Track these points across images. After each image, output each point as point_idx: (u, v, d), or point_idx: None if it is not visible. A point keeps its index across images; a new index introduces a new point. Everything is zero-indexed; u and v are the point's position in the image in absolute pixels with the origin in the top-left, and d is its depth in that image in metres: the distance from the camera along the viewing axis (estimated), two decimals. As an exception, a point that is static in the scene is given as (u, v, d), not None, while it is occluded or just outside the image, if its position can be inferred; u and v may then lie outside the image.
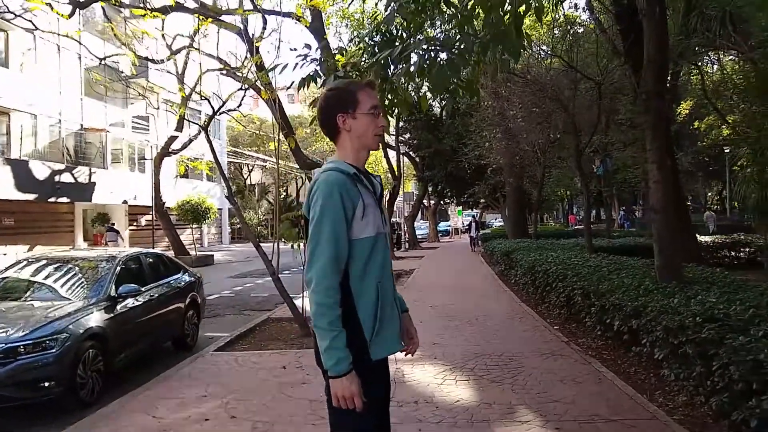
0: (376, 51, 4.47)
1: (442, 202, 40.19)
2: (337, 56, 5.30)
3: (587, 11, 13.61)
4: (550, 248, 13.05)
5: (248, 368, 6.24)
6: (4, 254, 19.40)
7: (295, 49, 4.90)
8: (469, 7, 4.07)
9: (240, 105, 11.99)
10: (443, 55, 4.16)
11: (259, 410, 4.80)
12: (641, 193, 28.22)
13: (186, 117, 17.13)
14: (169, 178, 27.52)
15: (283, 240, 8.66)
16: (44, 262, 7.12)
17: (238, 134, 46.96)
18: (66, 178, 24.26)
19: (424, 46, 4.17)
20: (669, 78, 9.61)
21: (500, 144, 17.68)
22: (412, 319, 2.54)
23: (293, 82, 4.92)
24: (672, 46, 8.95)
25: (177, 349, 7.77)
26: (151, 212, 26.27)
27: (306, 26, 12.36)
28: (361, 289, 2.13)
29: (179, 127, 24.24)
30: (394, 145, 27.79)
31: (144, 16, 11.39)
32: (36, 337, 5.13)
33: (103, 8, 16.74)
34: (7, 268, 7.15)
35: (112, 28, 16.26)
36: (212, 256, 26.40)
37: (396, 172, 26.91)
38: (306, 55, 4.88)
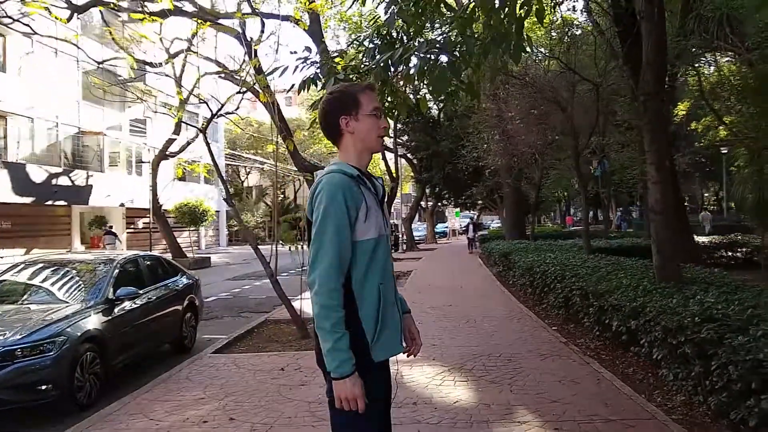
0: (377, 54, 4.48)
1: (439, 203, 40.21)
2: (337, 59, 5.31)
3: (585, 13, 13.63)
4: (548, 249, 13.06)
5: (247, 370, 6.23)
6: (1, 258, 19.36)
7: (295, 52, 4.91)
8: (469, 9, 4.08)
9: (238, 108, 11.98)
10: (443, 58, 4.16)
11: (258, 412, 4.79)
12: (638, 194, 28.23)
13: (184, 120, 17.12)
14: (166, 181, 27.45)
15: (281, 242, 8.66)
16: (41, 265, 7.10)
17: (236, 137, 46.94)
18: (63, 181, 24.23)
19: (425, 49, 4.17)
20: (667, 79, 9.64)
21: (498, 146, 17.70)
22: None
23: (293, 85, 4.93)
24: (669, 48, 8.97)
25: (175, 351, 7.76)
26: (148, 215, 26.24)
27: (304, 29, 12.38)
28: (362, 291, 2.12)
29: (177, 130, 24.21)
30: (391, 146, 27.81)
31: (142, 20, 11.37)
32: (33, 340, 5.12)
33: (101, 12, 16.74)
34: (4, 272, 7.13)
35: (111, 32, 16.24)
36: (209, 258, 26.37)
37: (394, 174, 26.91)
38: (306, 58, 4.88)
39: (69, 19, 13.38)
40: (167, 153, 24.91)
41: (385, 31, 4.63)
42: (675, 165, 12.86)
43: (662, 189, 6.43)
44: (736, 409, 3.68)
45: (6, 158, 21.61)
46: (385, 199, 2.37)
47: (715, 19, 11.18)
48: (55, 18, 11.87)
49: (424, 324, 8.28)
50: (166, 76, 15.86)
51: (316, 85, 4.94)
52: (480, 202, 31.97)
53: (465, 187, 28.44)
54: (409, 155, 32.69)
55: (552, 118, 14.05)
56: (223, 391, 5.44)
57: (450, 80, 4.09)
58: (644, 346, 5.28)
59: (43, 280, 6.68)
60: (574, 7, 23.23)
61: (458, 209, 42.88)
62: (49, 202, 23.65)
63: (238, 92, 10.47)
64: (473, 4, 4.04)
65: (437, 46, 4.19)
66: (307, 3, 11.28)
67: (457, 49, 4.18)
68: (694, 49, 12.86)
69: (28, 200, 22.18)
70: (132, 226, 30.66)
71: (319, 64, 4.96)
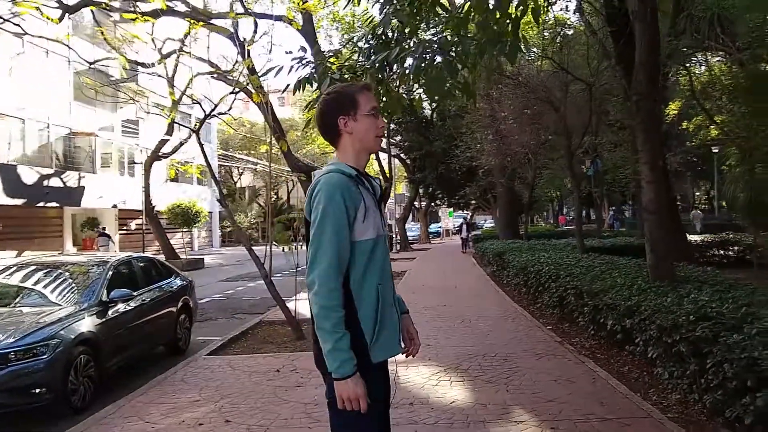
0: (372, 54, 4.48)
1: (433, 203, 40.26)
2: (332, 59, 5.30)
3: (577, 13, 13.68)
4: (542, 249, 13.09)
5: (242, 372, 6.21)
6: (-7, 260, 19.21)
7: (290, 52, 4.90)
8: (464, 10, 4.09)
9: (230, 108, 11.96)
10: (439, 58, 4.17)
11: (254, 414, 4.78)
12: (631, 193, 28.35)
13: (177, 121, 17.06)
14: (159, 182, 27.36)
15: (274, 243, 8.64)
16: (34, 267, 7.05)
17: (229, 137, 46.82)
18: (55, 182, 24.09)
19: (421, 49, 4.17)
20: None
21: (491, 145, 17.73)
22: None
23: (288, 86, 4.92)
24: (661, 48, 9.01)
25: (169, 353, 7.73)
26: (141, 216, 26.13)
27: (297, 29, 12.36)
28: (361, 291, 2.12)
29: (169, 131, 24.13)
30: (385, 147, 27.82)
31: (134, 20, 11.32)
32: (27, 344, 5.09)
33: (92, 12, 16.65)
34: (-4, 274, 7.07)
35: (102, 32, 16.16)
36: (203, 259, 26.30)
37: (387, 174, 26.94)
38: (302, 58, 4.87)
39: (60, 19, 13.30)
40: (160, 154, 24.81)
41: (380, 31, 4.63)
42: (667, 164, 12.92)
43: (656, 188, 6.46)
44: (732, 407, 3.70)
45: (-3, 159, 21.47)
46: (383, 200, 2.37)
47: (706, 19, 11.25)
48: (47, 18, 11.80)
49: (418, 324, 8.20)
50: (159, 76, 15.79)
51: (312, 86, 4.93)
52: (473, 202, 32.02)
53: (458, 187, 28.49)
54: (402, 155, 32.72)
55: (545, 117, 14.08)
56: (219, 393, 5.42)
57: (446, 80, 4.10)
58: (639, 344, 5.30)
59: (36, 283, 6.63)
60: (567, 6, 23.30)
61: (451, 209, 42.98)
62: (41, 204, 23.50)
63: (232, 92, 10.46)
64: (468, 4, 4.04)
65: (433, 46, 4.19)
66: (301, 3, 11.25)
67: (453, 50, 4.19)
68: (685, 49, 12.93)
69: (19, 202, 22.03)
70: (124, 228, 30.53)
71: (314, 65, 4.96)
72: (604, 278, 6.90)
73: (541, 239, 18.51)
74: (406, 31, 4.55)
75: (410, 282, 14.92)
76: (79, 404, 5.38)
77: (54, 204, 24.36)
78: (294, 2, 13.17)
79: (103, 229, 26.06)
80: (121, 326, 6.38)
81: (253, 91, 10.08)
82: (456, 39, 4.21)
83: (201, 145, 10.00)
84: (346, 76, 4.77)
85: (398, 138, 30.57)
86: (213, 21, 13.76)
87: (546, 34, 14.82)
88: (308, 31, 12.80)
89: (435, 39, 4.54)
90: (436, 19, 4.69)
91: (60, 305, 6.03)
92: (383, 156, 28.11)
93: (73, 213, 27.00)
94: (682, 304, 4.74)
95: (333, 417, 2.15)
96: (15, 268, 7.10)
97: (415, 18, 4.41)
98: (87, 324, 5.76)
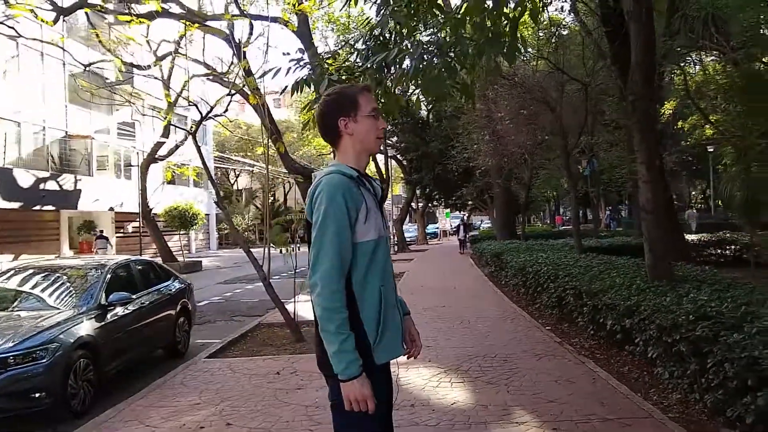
0: (370, 55, 4.48)
1: (430, 204, 40.28)
2: (329, 60, 5.30)
3: (572, 14, 13.71)
4: (540, 249, 13.11)
5: (242, 374, 6.20)
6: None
7: (288, 54, 4.90)
8: (462, 10, 4.09)
9: (227, 110, 11.95)
10: (437, 59, 4.17)
11: (255, 417, 4.77)
12: (627, 193, 28.44)
13: (173, 123, 17.00)
14: (155, 185, 27.30)
15: (272, 245, 8.62)
16: (32, 271, 7.02)
17: (225, 139, 46.73)
18: (51, 185, 24.00)
19: (420, 51, 4.17)
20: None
21: (488, 146, 17.76)
22: None
23: (286, 87, 4.91)
24: (656, 48, 9.04)
25: (168, 356, 7.71)
26: (138, 219, 26.06)
27: (293, 31, 12.35)
28: (363, 293, 2.12)
29: (165, 134, 24.09)
30: (381, 148, 27.82)
31: (129, 22, 11.29)
32: (26, 348, 5.07)
33: (87, 15, 16.59)
34: (-7, 278, 7.04)
35: (97, 35, 16.11)
36: (200, 262, 26.23)
37: (384, 176, 26.94)
38: (299, 60, 4.87)
39: (55, 22, 13.27)
40: (156, 156, 24.77)
41: (378, 32, 4.63)
42: (663, 164, 12.96)
43: (653, 188, 6.48)
44: (733, 407, 3.71)
45: (-8, 163, 21.39)
46: (384, 201, 2.37)
47: (701, 18, 11.30)
48: (41, 20, 11.76)
49: (418, 325, 8.14)
50: (154, 78, 15.75)
51: (310, 87, 4.93)
52: (470, 202, 32.05)
53: (455, 187, 28.52)
54: (398, 156, 32.73)
55: (541, 118, 14.12)
56: (219, 396, 5.41)
57: (445, 81, 4.10)
58: (639, 344, 5.31)
59: (34, 287, 6.60)
60: (562, 7, 23.36)
61: (449, 210, 43.00)
62: (37, 207, 23.42)
63: (228, 95, 10.43)
64: (466, 5, 4.05)
65: (432, 47, 4.19)
66: (296, 4, 11.25)
67: (452, 51, 4.19)
68: (679, 49, 12.99)
69: (15, 205, 21.94)
70: (121, 231, 30.45)
71: (312, 66, 4.95)
72: (603, 278, 6.91)
73: (539, 239, 18.55)
74: (404, 32, 4.56)
75: (409, 283, 14.91)
76: (79, 408, 5.35)
77: (50, 207, 24.28)
78: (289, 4, 13.18)
79: (101, 231, 25.99)
80: (120, 330, 6.36)
81: (249, 92, 10.07)
82: (454, 40, 4.22)
83: (198, 147, 9.97)
84: (343, 77, 4.77)
85: (395, 139, 30.58)
86: (208, 23, 13.75)
87: (541, 34, 14.86)
88: (304, 33, 12.81)
89: (433, 40, 4.54)
90: (434, 20, 4.69)
91: (59, 309, 6.00)
92: (380, 157, 28.10)
93: (70, 216, 26.92)
94: (682, 304, 4.75)
95: (337, 419, 2.14)
96: (13, 272, 7.07)
97: (413, 19, 4.42)
98: (86, 328, 5.74)
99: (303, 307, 8.55)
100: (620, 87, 9.35)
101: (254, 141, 37.94)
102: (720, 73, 14.55)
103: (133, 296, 6.75)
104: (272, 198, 47.73)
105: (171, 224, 26.39)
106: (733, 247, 15.36)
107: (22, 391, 4.96)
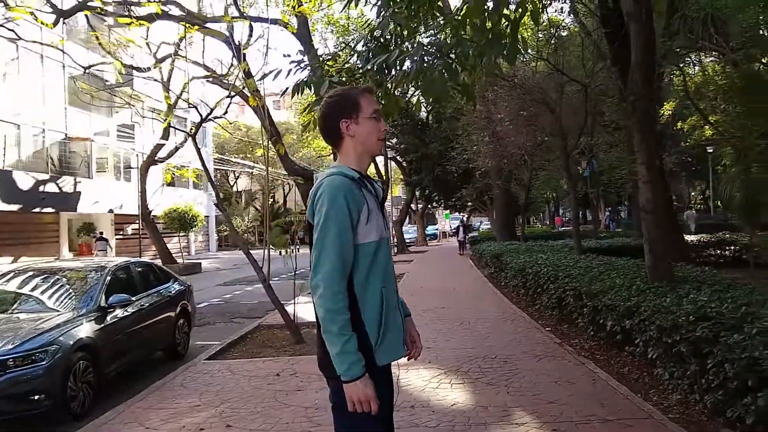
0: (370, 56, 4.48)
1: (429, 205, 40.27)
2: (330, 62, 5.31)
3: (572, 15, 13.72)
4: (539, 250, 13.11)
5: (242, 376, 6.19)
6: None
7: (288, 55, 4.90)
8: (463, 12, 4.09)
9: (226, 112, 11.95)
10: (437, 61, 4.17)
11: (255, 418, 4.76)
12: (627, 193, 28.44)
13: (172, 125, 17.02)
14: (155, 187, 27.31)
15: (272, 246, 8.62)
16: (32, 273, 7.02)
17: (224, 141, 46.75)
18: (51, 188, 24.01)
19: (421, 52, 4.17)
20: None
21: (488, 147, 17.76)
22: None
23: (287, 88, 4.91)
24: (656, 49, 9.05)
25: (168, 358, 7.70)
26: (137, 221, 26.05)
27: (293, 33, 12.36)
28: (365, 294, 2.12)
29: (165, 136, 24.08)
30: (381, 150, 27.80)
31: (129, 24, 11.29)
32: (25, 350, 5.06)
33: (87, 17, 16.60)
34: (-7, 281, 7.03)
35: (97, 37, 16.12)
36: (200, 263, 26.20)
37: (384, 177, 26.95)
38: (300, 61, 4.87)
39: (55, 24, 13.27)
40: (156, 158, 24.76)
41: (378, 34, 4.63)
42: (663, 164, 12.97)
43: (653, 188, 6.48)
44: (733, 407, 3.71)
45: (-8, 165, 21.39)
46: (385, 202, 2.37)
47: (700, 19, 11.32)
48: (41, 23, 11.77)
49: (418, 327, 8.10)
50: (154, 80, 15.76)
51: (310, 89, 4.93)
52: (470, 203, 32.05)
53: (455, 189, 28.52)
54: (398, 158, 32.74)
55: (541, 119, 14.12)
56: (219, 398, 5.40)
57: (446, 83, 4.10)
58: (639, 345, 5.31)
59: (34, 289, 6.60)
60: (562, 8, 23.36)
61: (448, 211, 42.99)
62: (37, 210, 23.42)
63: (228, 96, 10.44)
64: (466, 6, 4.05)
65: (433, 49, 4.19)
66: (296, 6, 11.25)
67: (453, 52, 4.19)
68: (679, 50, 13.00)
69: (15, 208, 21.95)
70: (121, 233, 30.44)
71: (312, 68, 4.95)
72: (603, 279, 6.91)
73: (538, 240, 18.55)
74: (404, 33, 4.56)
75: (408, 284, 14.90)
76: (79, 410, 5.34)
77: (50, 209, 24.29)
78: (289, 6, 13.19)
79: (101, 233, 26.00)
80: (120, 332, 6.36)
81: (249, 94, 10.07)
82: (455, 41, 4.22)
83: (198, 149, 9.99)
84: (344, 78, 4.77)
85: (394, 140, 30.59)
86: (208, 25, 13.74)
87: (540, 35, 14.87)
88: (303, 35, 12.81)
89: (434, 41, 4.54)
90: (434, 22, 4.69)
91: (58, 311, 6.00)
92: (379, 159, 28.10)
93: (70, 218, 26.91)
94: (682, 305, 4.75)
95: (339, 420, 2.14)
96: (12, 274, 7.06)
97: (413, 21, 4.42)
98: (86, 330, 5.73)
99: (303, 309, 8.55)
100: (620, 88, 9.35)
101: (254, 143, 38.00)
102: (719, 74, 14.58)
103: (133, 298, 6.75)
104: (272, 200, 47.73)
105: (170, 226, 26.39)
106: (732, 247, 15.37)
107: (21, 394, 4.96)
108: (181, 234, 27.34)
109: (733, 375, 3.68)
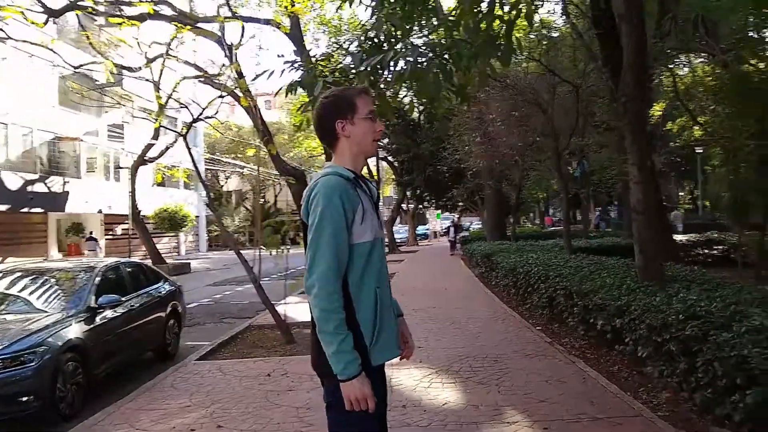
0: (364, 57, 4.47)
1: (420, 206, 40.31)
2: (323, 61, 5.30)
3: (563, 16, 13.78)
4: (530, 250, 13.14)
5: (232, 377, 6.16)
6: (-24, 267, 18.94)
7: (282, 56, 4.90)
8: (457, 13, 4.10)
9: (217, 112, 11.90)
10: (431, 62, 4.17)
11: (246, 419, 4.75)
12: (617, 194, 28.59)
13: (163, 125, 16.93)
14: (145, 187, 27.17)
15: (262, 247, 8.60)
16: (20, 273, 6.96)
17: (215, 141, 46.58)
18: (39, 188, 23.82)
19: (416, 53, 4.17)
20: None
21: (479, 148, 17.79)
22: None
23: (281, 88, 4.90)
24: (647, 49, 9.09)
25: (158, 358, 7.67)
26: (127, 221, 25.91)
27: (285, 33, 12.34)
28: (359, 294, 2.12)
29: (155, 135, 23.94)
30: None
31: (120, 24, 11.23)
32: (13, 351, 5.02)
33: (77, 17, 16.49)
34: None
35: (88, 37, 16.01)
36: (189, 264, 26.08)
37: (375, 177, 26.95)
38: (294, 61, 4.86)
39: (45, 24, 13.16)
40: (146, 158, 24.62)
41: (372, 34, 4.63)
42: (653, 165, 13.04)
43: (644, 189, 6.51)
44: (722, 405, 3.74)
45: (-20, 165, 21.19)
46: (380, 203, 2.37)
47: (690, 20, 11.39)
48: (31, 22, 11.67)
49: (409, 326, 8.23)
50: (145, 80, 15.68)
51: (304, 89, 4.91)
52: (461, 203, 32.11)
53: (446, 189, 28.56)
54: (389, 158, 32.75)
55: (532, 119, 14.15)
56: (210, 399, 5.38)
57: (441, 84, 4.10)
58: (629, 344, 5.34)
59: (23, 289, 6.54)
60: (553, 9, 23.45)
61: (439, 211, 43.06)
62: (25, 210, 23.23)
63: (219, 96, 10.41)
64: (461, 7, 4.05)
65: (427, 50, 4.19)
66: (290, 6, 11.23)
67: (448, 53, 4.19)
68: (669, 51, 13.08)
69: (3, 208, 21.75)
70: (110, 233, 30.25)
71: (306, 68, 4.94)
72: (593, 278, 6.94)
73: (529, 240, 18.59)
74: (398, 34, 4.55)
75: (399, 284, 14.91)
76: (68, 412, 5.31)
77: (38, 210, 24.09)
78: (281, 6, 13.16)
79: (91, 233, 25.83)
80: (110, 332, 6.32)
81: (240, 94, 10.04)
82: (450, 42, 4.22)
83: (189, 149, 9.94)
84: (338, 78, 4.76)
85: (386, 141, 30.58)
86: (199, 25, 13.69)
87: (532, 36, 14.92)
88: (296, 36, 12.80)
89: (428, 42, 4.55)
90: (428, 23, 4.69)
91: (47, 312, 5.96)
92: (371, 159, 28.10)
93: (58, 218, 26.71)
94: (671, 304, 4.78)
95: (334, 419, 2.14)
96: (1, 274, 7.00)
97: (408, 21, 4.42)
98: (75, 330, 5.69)
99: (293, 309, 8.53)
100: (611, 88, 9.38)
101: (245, 142, 37.90)
102: (709, 75, 14.67)
103: (123, 299, 6.72)
104: (262, 200, 47.59)
105: (160, 226, 26.30)
106: (720, 247, 15.48)
107: (10, 395, 4.91)
108: (171, 234, 27.24)
109: (721, 373, 3.71)
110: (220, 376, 6.21)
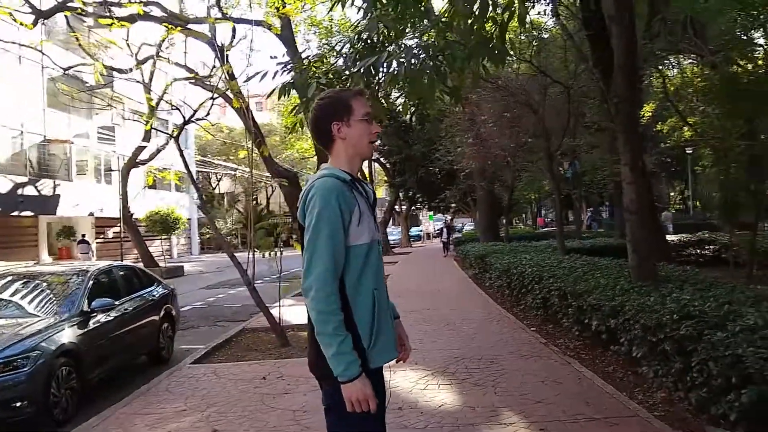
0: (357, 58, 4.48)
1: (413, 207, 40.34)
2: (316, 63, 5.29)
3: (554, 17, 13.82)
4: (524, 250, 13.17)
5: (228, 380, 6.14)
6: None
7: (275, 57, 4.89)
8: (450, 14, 4.11)
9: (208, 114, 11.85)
10: (425, 63, 4.18)
11: (242, 423, 4.73)
12: (609, 194, 28.72)
13: (154, 127, 16.85)
14: (137, 189, 26.98)
15: (256, 249, 8.57)
16: (12, 278, 6.90)
17: (207, 143, 46.44)
18: (29, 191, 23.61)
19: (410, 55, 4.18)
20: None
21: (471, 149, 17.83)
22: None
23: (274, 89, 4.89)
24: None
25: (152, 362, 7.62)
26: (118, 224, 25.74)
27: (276, 34, 12.32)
28: (357, 296, 2.11)
29: (147, 138, 23.82)
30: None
31: (110, 25, 11.16)
32: (6, 356, 4.98)
33: (66, 18, 16.40)
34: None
35: (77, 38, 15.92)
36: (182, 267, 25.99)
37: (367, 179, 26.95)
38: (287, 63, 4.85)
39: (34, 25, 13.08)
40: (137, 161, 24.50)
41: (365, 36, 4.63)
42: (645, 165, 13.10)
43: (636, 189, 6.54)
44: (717, 404, 3.76)
45: (-32, 168, 20.99)
46: (376, 204, 2.37)
47: (680, 22, 11.48)
48: (20, 24, 11.59)
49: (404, 328, 8.26)
50: (136, 81, 15.61)
51: (297, 91, 4.90)
52: (453, 205, 32.17)
53: (438, 190, 28.60)
54: (382, 159, 32.77)
55: (524, 120, 14.20)
56: (205, 402, 5.36)
57: (435, 85, 4.11)
58: (624, 344, 5.35)
59: (15, 294, 6.49)
60: (544, 11, 23.55)
61: (432, 213, 43.09)
62: (15, 213, 23.00)
63: (210, 98, 10.36)
64: (453, 9, 4.07)
65: (420, 51, 4.20)
66: (281, 7, 11.22)
67: (442, 54, 4.20)
68: (658, 52, 13.16)
69: (-8, 211, 21.57)
70: (102, 236, 30.06)
71: (299, 70, 4.93)
72: (587, 279, 6.96)
73: (522, 241, 18.64)
74: (391, 35, 4.56)
75: (393, 286, 14.89)
76: (62, 417, 5.27)
77: (29, 213, 23.87)
78: (272, 7, 13.14)
79: (83, 236, 25.65)
80: (103, 336, 6.28)
81: (232, 96, 10.01)
82: (444, 43, 4.23)
83: (180, 151, 9.89)
84: (331, 78, 4.76)
85: (378, 142, 30.58)
86: (190, 26, 13.65)
87: (523, 37, 14.97)
88: (287, 37, 12.78)
89: (421, 43, 4.55)
90: (421, 24, 4.70)
91: (40, 316, 5.91)
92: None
93: (49, 222, 26.51)
94: (666, 304, 4.80)
95: (334, 422, 2.14)
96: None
97: (400, 22, 4.42)
98: (68, 335, 5.66)
99: (287, 312, 8.51)
100: (602, 89, 9.43)
101: (237, 144, 37.80)
102: (698, 76, 14.78)
103: (116, 302, 6.68)
104: (255, 202, 47.46)
105: (152, 229, 26.11)
106: (711, 247, 15.58)
107: (3, 401, 4.87)
108: (163, 237, 27.08)
109: (716, 372, 3.73)
110: (215, 380, 6.19)
